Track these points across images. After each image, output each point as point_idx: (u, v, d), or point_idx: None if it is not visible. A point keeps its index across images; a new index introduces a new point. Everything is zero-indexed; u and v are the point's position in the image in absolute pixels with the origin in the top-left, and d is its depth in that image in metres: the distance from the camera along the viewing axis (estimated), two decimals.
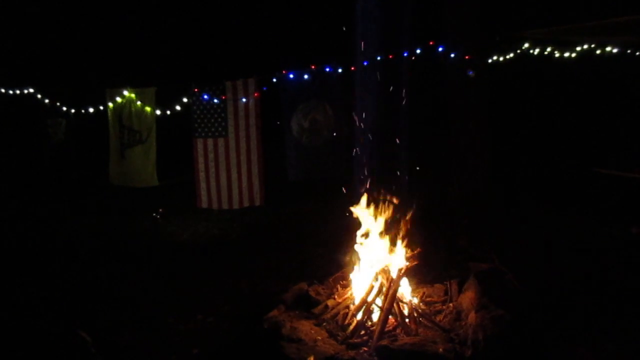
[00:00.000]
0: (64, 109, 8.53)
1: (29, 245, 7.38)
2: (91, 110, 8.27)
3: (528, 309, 4.23)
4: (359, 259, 4.83)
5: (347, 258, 5.12)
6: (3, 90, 8.52)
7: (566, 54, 7.70)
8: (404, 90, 7.59)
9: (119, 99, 7.95)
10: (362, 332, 4.16)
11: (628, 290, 4.77)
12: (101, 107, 8.17)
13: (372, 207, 4.70)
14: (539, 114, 9.15)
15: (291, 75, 7.39)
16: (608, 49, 7.63)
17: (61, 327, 4.24)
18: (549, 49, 7.63)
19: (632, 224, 6.54)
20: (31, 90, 8.54)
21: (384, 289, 4.39)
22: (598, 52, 7.68)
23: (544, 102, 9.10)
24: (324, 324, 4.35)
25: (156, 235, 7.59)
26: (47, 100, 8.54)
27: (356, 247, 4.79)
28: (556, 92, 8.93)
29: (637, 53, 7.70)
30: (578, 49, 7.65)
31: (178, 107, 7.69)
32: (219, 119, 7.55)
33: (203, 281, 5.80)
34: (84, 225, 8.48)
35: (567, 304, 4.56)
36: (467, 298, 4.42)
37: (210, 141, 7.62)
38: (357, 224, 4.79)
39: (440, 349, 3.78)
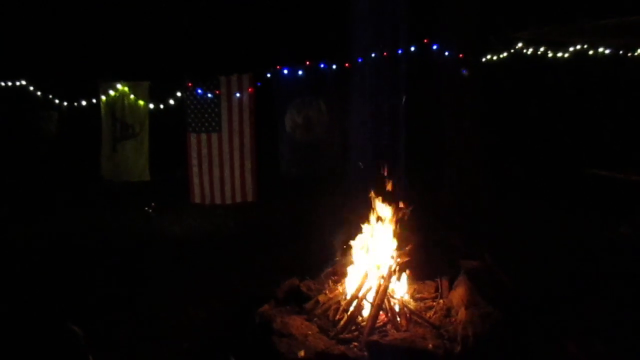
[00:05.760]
0: (57, 101, 8.47)
1: (21, 240, 7.34)
2: (84, 103, 8.22)
3: (518, 306, 4.27)
4: (351, 255, 4.85)
5: (339, 254, 5.14)
6: None
7: (559, 54, 7.74)
8: (398, 88, 7.61)
9: (112, 93, 7.91)
10: (353, 327, 4.17)
11: (617, 289, 4.82)
12: (94, 100, 8.12)
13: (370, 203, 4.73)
14: (532, 114, 9.19)
15: (285, 71, 7.39)
16: (600, 49, 7.69)
17: (52, 320, 4.22)
18: (542, 49, 7.68)
19: (622, 224, 6.60)
20: (23, 83, 8.48)
21: (375, 285, 4.41)
22: (590, 52, 7.73)
23: (537, 101, 9.14)
24: (315, 319, 4.36)
25: (148, 229, 7.57)
26: (39, 93, 8.48)
27: (348, 243, 4.81)
28: (549, 92, 8.97)
29: (629, 54, 7.76)
30: (571, 49, 7.70)
31: (172, 102, 7.68)
32: (213, 114, 7.53)
33: (194, 276, 5.79)
34: (75, 219, 8.44)
35: (556, 301, 4.60)
36: (458, 295, 4.45)
37: (203, 136, 7.61)
38: (352, 220, 4.80)
39: (430, 345, 3.81)
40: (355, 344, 3.96)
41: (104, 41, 10.84)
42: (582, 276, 5.17)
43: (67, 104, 8.44)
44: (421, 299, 4.74)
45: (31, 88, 8.49)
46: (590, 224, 6.81)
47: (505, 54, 7.62)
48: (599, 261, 5.58)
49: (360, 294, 4.40)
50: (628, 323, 4.25)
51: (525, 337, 3.95)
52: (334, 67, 7.32)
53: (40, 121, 8.82)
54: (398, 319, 4.23)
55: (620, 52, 7.78)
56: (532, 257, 5.79)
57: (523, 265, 5.43)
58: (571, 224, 6.92)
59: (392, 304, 4.35)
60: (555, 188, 8.18)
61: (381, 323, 4.21)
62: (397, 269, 4.61)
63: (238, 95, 7.41)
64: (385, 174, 4.70)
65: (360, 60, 7.38)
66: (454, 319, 4.21)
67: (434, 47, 7.24)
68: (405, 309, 4.36)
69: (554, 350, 3.92)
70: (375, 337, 3.94)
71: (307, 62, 7.36)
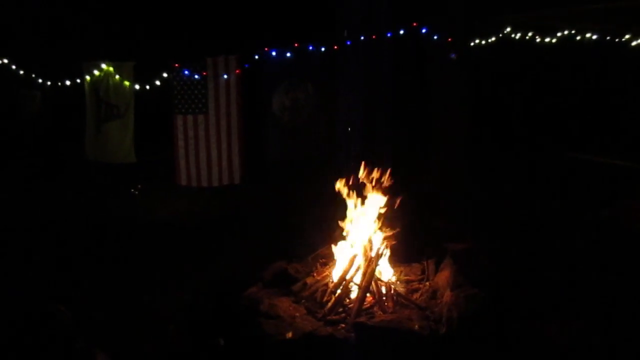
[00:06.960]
0: (40, 81, 8.30)
1: (3, 221, 7.24)
2: (67, 83, 8.06)
3: (501, 288, 4.34)
4: (338, 238, 4.88)
5: (327, 237, 5.16)
6: None
7: (547, 39, 7.75)
8: (387, 72, 7.59)
9: (96, 72, 7.77)
10: (340, 309, 4.21)
11: (596, 271, 4.91)
12: (78, 80, 7.97)
13: (355, 188, 4.75)
14: (519, 98, 9.23)
15: (273, 53, 7.31)
16: (588, 35, 7.71)
17: (38, 301, 4.19)
18: (530, 34, 7.68)
19: (602, 207, 6.69)
20: (5, 61, 8.29)
21: (362, 268, 4.44)
22: (578, 38, 7.75)
23: (524, 86, 9.17)
24: (303, 301, 4.39)
25: (134, 212, 7.52)
26: (21, 72, 8.30)
27: (336, 226, 4.83)
28: (536, 76, 9.00)
29: (616, 40, 7.80)
30: (559, 34, 7.71)
31: (157, 83, 7.55)
32: (199, 96, 7.45)
33: (181, 259, 5.77)
34: (58, 200, 8.33)
35: (538, 283, 4.68)
36: (443, 277, 4.51)
37: (190, 118, 7.52)
38: (339, 203, 4.82)
39: (416, 326, 3.87)
40: (343, 325, 4.01)
41: (89, 19, 10.61)
42: (562, 258, 5.25)
43: (51, 84, 8.27)
44: (407, 281, 4.80)
45: (13, 67, 8.30)
46: (571, 208, 6.89)
47: (493, 38, 7.61)
48: (579, 243, 5.67)
49: (347, 277, 4.44)
50: (606, 304, 4.35)
51: (508, 318, 4.02)
52: (323, 49, 7.25)
53: (22, 101, 8.64)
54: (385, 300, 4.28)
55: (607, 37, 7.81)
56: (514, 240, 5.86)
57: (505, 246, 5.50)
58: (552, 207, 7.00)
59: (379, 286, 4.40)
60: (537, 171, 8.26)
61: (368, 305, 4.26)
62: (384, 251, 4.66)
63: (225, 76, 7.33)
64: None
65: (348, 43, 7.32)
66: (439, 301, 4.28)
67: (423, 30, 7.20)
68: (391, 291, 4.41)
69: (536, 330, 4.00)
70: (362, 319, 3.99)
71: (296, 44, 7.29)
